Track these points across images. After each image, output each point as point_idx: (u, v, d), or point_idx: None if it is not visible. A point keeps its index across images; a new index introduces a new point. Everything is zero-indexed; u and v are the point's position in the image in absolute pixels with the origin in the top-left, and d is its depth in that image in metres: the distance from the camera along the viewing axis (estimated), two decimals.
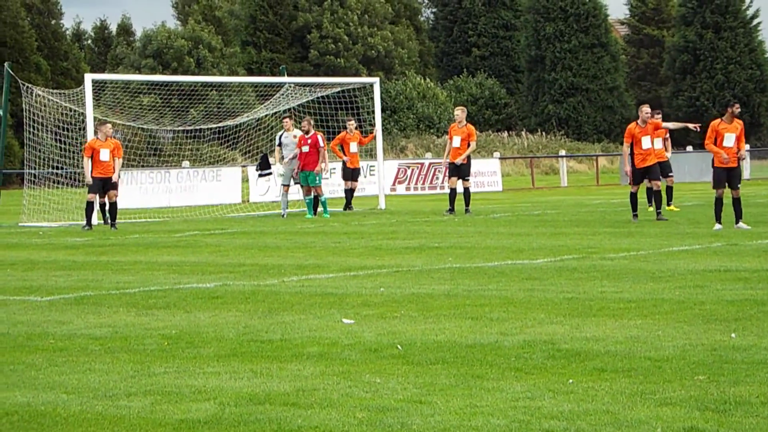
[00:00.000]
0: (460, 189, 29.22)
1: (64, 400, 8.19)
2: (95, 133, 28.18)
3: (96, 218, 28.15)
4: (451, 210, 29.02)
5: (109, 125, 28.16)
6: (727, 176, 22.06)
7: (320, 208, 30.41)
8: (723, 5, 77.53)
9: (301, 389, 8.32)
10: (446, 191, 29.64)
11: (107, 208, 27.96)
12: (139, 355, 9.87)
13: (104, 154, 27.10)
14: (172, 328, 11.28)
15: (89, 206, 27.34)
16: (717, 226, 21.82)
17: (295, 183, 30.48)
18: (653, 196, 25.45)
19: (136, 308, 12.84)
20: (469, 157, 29.33)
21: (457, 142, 29.12)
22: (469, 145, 29.16)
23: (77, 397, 8.25)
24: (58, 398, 8.24)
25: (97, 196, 27.47)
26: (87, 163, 27.35)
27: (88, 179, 27.44)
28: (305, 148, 29.80)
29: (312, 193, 30.08)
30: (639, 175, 24.95)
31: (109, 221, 27.53)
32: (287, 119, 31.15)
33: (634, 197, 25.01)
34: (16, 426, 7.57)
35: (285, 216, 30.45)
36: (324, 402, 7.90)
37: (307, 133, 29.89)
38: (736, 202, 22.07)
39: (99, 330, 11.33)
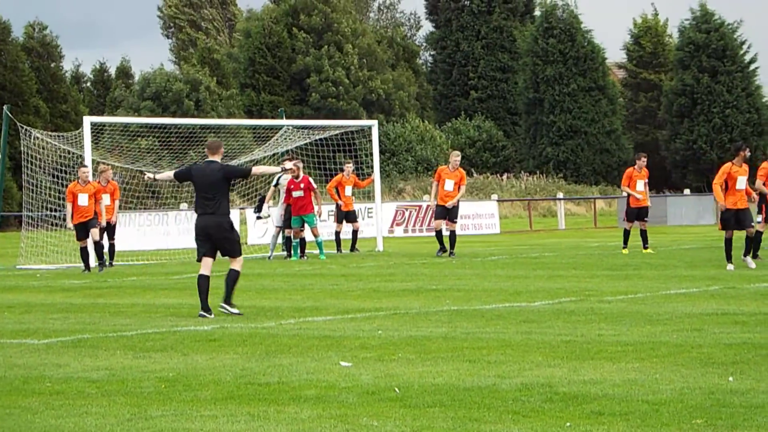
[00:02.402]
0: (445, 232, 29.39)
1: None
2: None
3: (93, 260, 28.13)
4: (442, 249, 29.14)
5: (85, 169, 27.73)
6: (737, 217, 22.31)
7: (315, 251, 30.63)
8: (720, 50, 77.81)
9: None
10: (445, 234, 29.64)
11: (94, 248, 28.21)
12: (136, 398, 9.85)
13: (82, 199, 27.00)
14: (170, 371, 11.26)
15: (83, 251, 27.36)
16: (729, 267, 22.06)
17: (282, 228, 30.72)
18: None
19: (134, 351, 12.82)
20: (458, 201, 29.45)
21: (450, 185, 29.20)
22: (460, 189, 29.29)
23: None
24: None
25: (90, 239, 27.43)
26: (69, 209, 27.33)
27: (69, 225, 27.53)
28: (298, 193, 29.82)
29: (299, 236, 30.21)
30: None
31: (97, 261, 27.56)
32: (288, 161, 31.08)
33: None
34: None
35: (271, 258, 30.57)
36: None
37: (297, 177, 29.90)
38: (748, 240, 22.65)
39: (96, 373, 11.31)
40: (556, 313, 15.42)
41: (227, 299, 16.35)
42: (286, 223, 30.49)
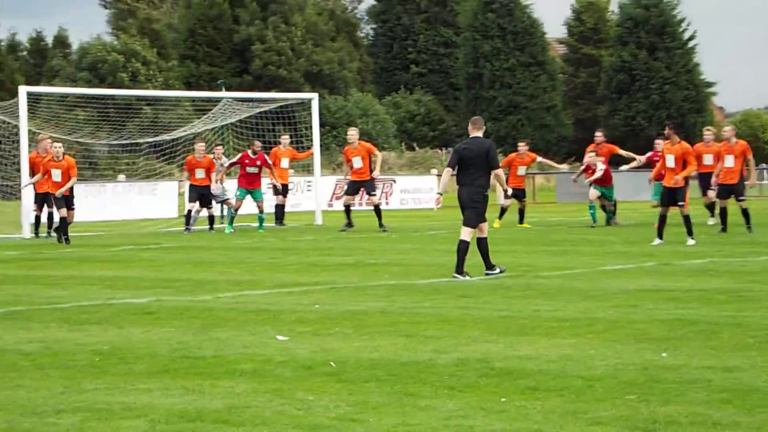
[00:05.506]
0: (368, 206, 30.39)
1: None
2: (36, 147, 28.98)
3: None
4: (349, 224, 29.36)
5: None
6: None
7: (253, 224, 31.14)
8: (659, 26, 78.24)
9: (233, 407, 8.28)
10: (384, 208, 29.97)
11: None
12: (70, 372, 9.77)
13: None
14: (104, 344, 11.18)
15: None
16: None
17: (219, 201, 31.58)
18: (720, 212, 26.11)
19: (68, 323, 12.72)
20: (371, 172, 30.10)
21: (358, 162, 29.91)
22: (371, 160, 29.92)
23: (4, 415, 8.15)
24: None
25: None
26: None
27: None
28: (253, 169, 30.64)
29: (239, 207, 31.05)
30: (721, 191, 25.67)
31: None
32: (220, 147, 32.72)
33: (723, 211, 25.70)
34: None
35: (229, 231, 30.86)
36: (256, 419, 7.87)
37: (254, 153, 30.76)
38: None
39: (29, 345, 11.20)
40: (493, 288, 15.48)
41: (457, 268, 16.98)
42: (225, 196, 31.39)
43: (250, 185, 30.68)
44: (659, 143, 29.98)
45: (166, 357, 10.39)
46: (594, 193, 29.70)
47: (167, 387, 9.01)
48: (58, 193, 26.91)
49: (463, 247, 17.15)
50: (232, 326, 12.27)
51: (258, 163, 30.68)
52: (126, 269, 19.65)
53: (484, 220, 17.53)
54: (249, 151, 30.97)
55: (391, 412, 8.02)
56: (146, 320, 12.88)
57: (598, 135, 31.30)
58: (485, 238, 17.39)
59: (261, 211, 30.93)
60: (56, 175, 27.00)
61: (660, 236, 22.71)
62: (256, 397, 8.58)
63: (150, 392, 8.83)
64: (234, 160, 31.38)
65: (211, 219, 30.99)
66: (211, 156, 31.85)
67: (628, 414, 7.81)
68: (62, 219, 27.00)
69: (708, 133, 27.26)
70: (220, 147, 32.96)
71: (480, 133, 17.63)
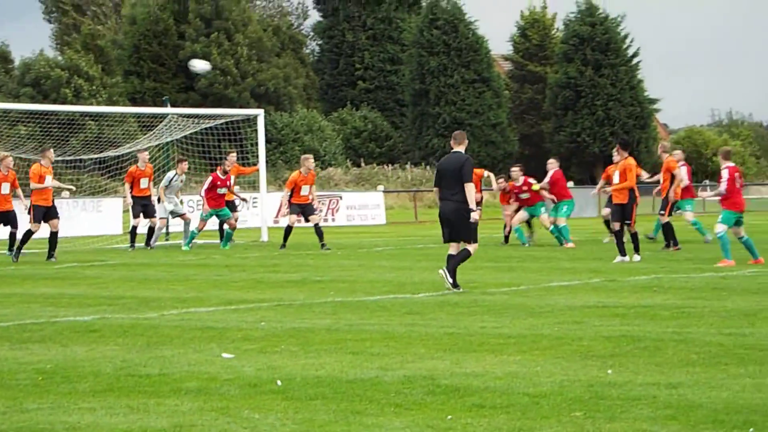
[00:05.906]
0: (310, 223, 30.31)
1: None
2: None
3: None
4: (284, 245, 29.48)
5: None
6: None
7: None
8: (604, 43, 78.83)
9: (179, 425, 8.22)
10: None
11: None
12: (12, 391, 9.66)
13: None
14: (47, 363, 11.06)
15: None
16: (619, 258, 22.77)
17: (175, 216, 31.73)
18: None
19: (10, 342, 12.58)
20: None
21: (306, 191, 30.15)
22: (312, 189, 30.60)
23: None
24: None
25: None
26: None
27: None
28: (223, 190, 30.75)
29: (203, 228, 31.10)
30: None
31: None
32: (185, 162, 32.14)
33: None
34: None
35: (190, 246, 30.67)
36: None
37: (224, 173, 30.91)
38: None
39: None
40: (439, 304, 15.49)
41: (450, 267, 17.46)
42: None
43: (218, 206, 30.79)
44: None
45: (111, 375, 10.30)
46: (546, 218, 29.42)
47: (111, 406, 8.93)
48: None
49: (464, 254, 17.56)
50: (178, 344, 12.19)
51: (228, 183, 30.91)
52: (70, 287, 19.48)
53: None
54: (218, 172, 30.93)
55: (337, 430, 8.00)
56: (90, 338, 12.77)
57: (501, 181, 31.39)
58: (470, 253, 17.61)
59: (232, 228, 31.15)
60: (49, 180, 27.65)
61: (622, 253, 22.73)
62: (201, 416, 8.52)
63: (94, 411, 8.74)
64: (207, 185, 31.08)
65: (151, 231, 30.81)
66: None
67: (574, 431, 7.82)
68: (29, 231, 27.35)
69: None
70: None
71: (461, 148, 17.68)
